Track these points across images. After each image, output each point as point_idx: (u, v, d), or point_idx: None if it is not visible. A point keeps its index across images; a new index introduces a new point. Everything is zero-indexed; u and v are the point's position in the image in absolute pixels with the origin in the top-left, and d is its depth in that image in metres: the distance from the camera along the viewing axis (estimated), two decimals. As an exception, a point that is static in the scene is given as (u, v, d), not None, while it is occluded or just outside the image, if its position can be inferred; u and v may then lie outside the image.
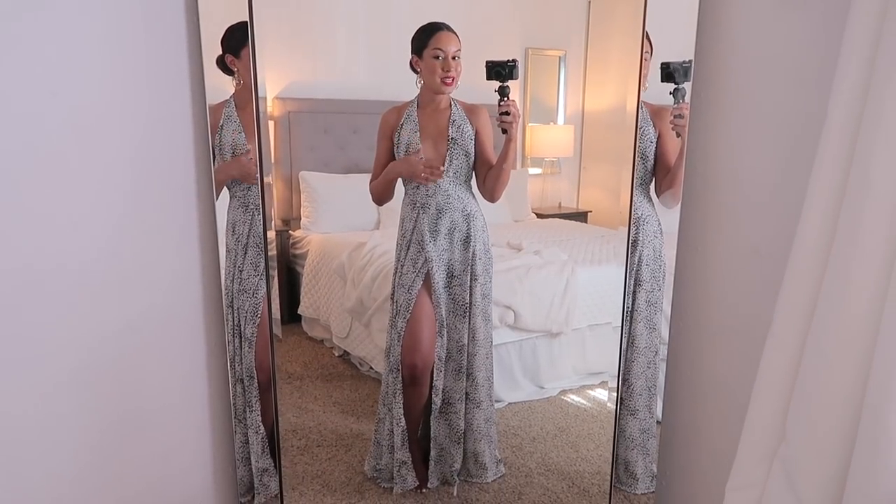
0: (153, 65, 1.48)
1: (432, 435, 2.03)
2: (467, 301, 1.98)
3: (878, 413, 0.95)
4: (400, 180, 1.98)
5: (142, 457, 1.61)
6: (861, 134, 0.97)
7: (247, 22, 1.53)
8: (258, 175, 1.65)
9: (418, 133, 1.93)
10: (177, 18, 1.48)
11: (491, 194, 1.98)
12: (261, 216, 1.69)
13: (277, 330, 1.75)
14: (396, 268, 2.00)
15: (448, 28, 1.87)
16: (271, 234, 1.75)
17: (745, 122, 1.56)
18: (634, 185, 1.83)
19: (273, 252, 1.74)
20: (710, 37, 1.61)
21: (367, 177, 2.23)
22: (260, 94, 1.60)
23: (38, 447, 1.42)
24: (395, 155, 1.96)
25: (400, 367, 1.98)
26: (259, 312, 1.75)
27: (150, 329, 1.57)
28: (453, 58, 1.87)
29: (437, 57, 1.87)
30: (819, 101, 1.08)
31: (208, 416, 1.72)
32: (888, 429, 0.94)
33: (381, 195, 2.00)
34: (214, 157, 1.66)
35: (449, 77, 1.88)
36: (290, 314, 2.43)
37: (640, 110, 1.77)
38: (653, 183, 1.88)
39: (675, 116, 1.71)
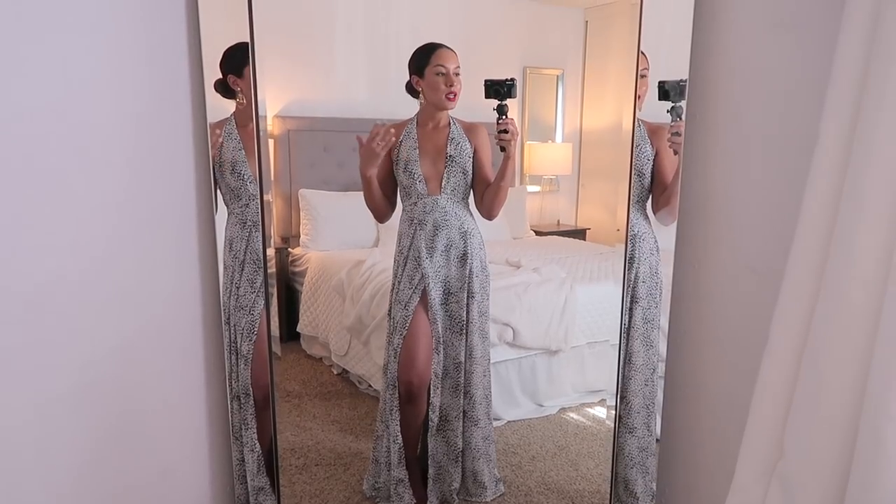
0: (154, 84, 1.50)
1: (430, 453, 2.02)
2: (464, 318, 1.98)
3: (875, 428, 0.95)
4: (399, 195, 1.99)
5: (140, 473, 1.60)
6: (853, 151, 0.98)
7: (247, 43, 1.55)
8: (258, 192, 1.66)
9: (417, 150, 1.94)
10: (178, 39, 1.50)
11: (488, 212, 1.99)
12: (258, 233, 1.70)
13: (276, 348, 1.75)
14: (394, 284, 2.00)
15: (446, 46, 1.89)
16: (271, 252, 1.75)
17: (740, 141, 1.57)
18: (630, 202, 1.84)
19: (272, 269, 1.74)
20: (704, 56, 1.63)
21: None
22: (260, 113, 1.62)
23: (36, 462, 1.42)
24: (395, 172, 1.97)
25: (397, 384, 1.98)
26: (255, 329, 1.74)
27: (149, 345, 1.57)
28: (455, 74, 1.89)
29: (440, 73, 1.89)
30: (812, 119, 1.09)
31: (206, 432, 1.72)
32: (886, 443, 0.94)
33: (371, 203, 1.99)
34: (214, 175, 1.67)
35: (452, 92, 1.90)
36: (289, 332, 2.42)
37: (636, 128, 1.79)
38: (649, 200, 1.88)
39: (671, 134, 1.73)
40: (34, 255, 1.36)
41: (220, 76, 1.61)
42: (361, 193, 1.97)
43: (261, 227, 1.68)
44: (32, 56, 1.31)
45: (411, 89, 1.94)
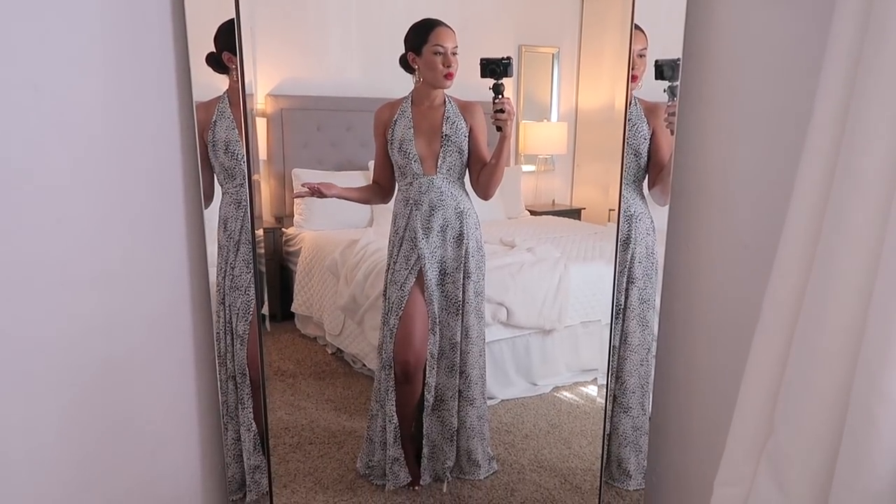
0: (138, 60, 1.47)
1: (425, 432, 2.03)
2: (460, 298, 1.98)
3: (865, 407, 0.95)
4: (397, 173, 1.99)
5: (129, 454, 1.60)
6: (847, 129, 0.98)
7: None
8: (245, 173, 1.65)
9: (412, 129, 1.93)
10: (163, 15, 1.48)
11: (484, 192, 1.98)
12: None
13: (266, 327, 1.75)
14: (389, 264, 2.00)
15: (445, 24, 1.87)
16: (260, 232, 1.74)
17: (733, 118, 1.56)
18: (627, 181, 1.83)
19: (261, 250, 1.74)
20: (698, 34, 1.62)
21: (361, 174, 2.22)
22: (253, 91, 1.60)
23: (24, 445, 1.42)
24: (389, 151, 1.96)
25: (392, 364, 1.98)
26: (251, 309, 1.74)
27: (137, 326, 1.56)
28: (453, 53, 1.87)
29: (438, 53, 1.86)
30: (806, 96, 1.09)
31: (196, 412, 1.72)
32: (875, 422, 0.94)
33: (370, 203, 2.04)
34: (207, 153, 1.65)
35: (449, 73, 1.88)
36: (284, 312, 2.42)
37: (632, 106, 1.77)
38: (646, 180, 1.88)
39: (668, 114, 1.71)
40: (17, 236, 1.34)
41: (213, 51, 1.59)
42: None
43: (248, 207, 1.67)
44: (11, 33, 1.29)
45: (406, 64, 1.92)
